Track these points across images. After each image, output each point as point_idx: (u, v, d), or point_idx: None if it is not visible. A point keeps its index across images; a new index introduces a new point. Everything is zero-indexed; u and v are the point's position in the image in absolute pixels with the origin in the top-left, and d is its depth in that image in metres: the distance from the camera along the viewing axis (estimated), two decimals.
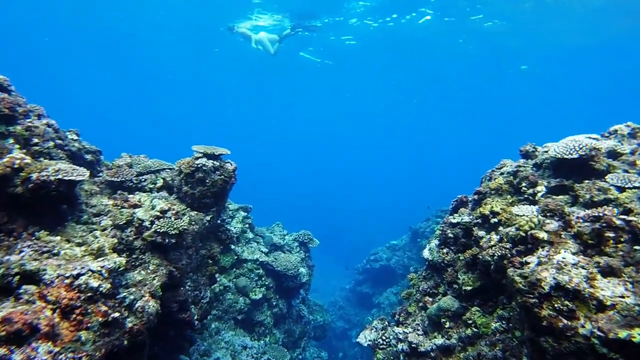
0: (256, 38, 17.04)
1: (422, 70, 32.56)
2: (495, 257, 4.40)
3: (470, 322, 4.79)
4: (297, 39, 28.19)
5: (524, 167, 5.99)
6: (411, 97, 40.16)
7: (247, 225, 10.46)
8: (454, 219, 5.77)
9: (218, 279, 9.16)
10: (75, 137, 6.54)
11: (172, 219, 5.20)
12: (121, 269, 4.37)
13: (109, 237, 4.81)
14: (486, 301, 4.85)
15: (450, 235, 5.68)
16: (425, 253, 6.18)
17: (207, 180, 5.85)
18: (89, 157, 6.46)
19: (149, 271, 4.95)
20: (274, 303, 10.03)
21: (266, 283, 9.90)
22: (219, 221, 8.78)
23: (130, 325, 4.05)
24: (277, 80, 37.29)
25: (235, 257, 9.65)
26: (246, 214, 10.69)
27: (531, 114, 46.99)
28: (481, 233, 5.09)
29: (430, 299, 5.72)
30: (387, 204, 44.21)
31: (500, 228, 4.91)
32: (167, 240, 5.07)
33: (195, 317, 5.79)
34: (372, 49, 29.62)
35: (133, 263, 4.96)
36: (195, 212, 5.84)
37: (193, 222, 5.72)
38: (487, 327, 4.57)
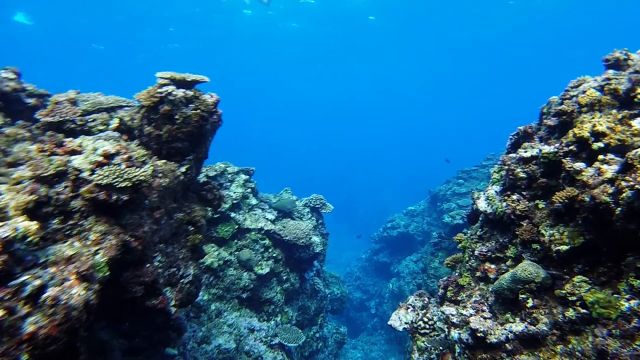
0: None
1: (437, 37, 30.20)
2: (626, 195, 2.60)
3: (572, 298, 3.03)
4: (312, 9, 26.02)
5: (617, 79, 4.11)
6: (427, 66, 37.72)
7: (249, 190, 8.72)
8: (526, 152, 3.92)
9: (217, 253, 7.51)
10: (12, 76, 4.80)
11: (123, 166, 3.46)
12: (30, 239, 2.66)
13: (20, 194, 3.10)
14: (595, 266, 3.07)
15: (522, 175, 3.85)
16: (481, 204, 4.35)
17: (177, 116, 4.07)
18: (31, 101, 4.71)
19: (87, 242, 3.24)
20: (284, 277, 8.36)
21: (274, 255, 8.21)
22: (202, 177, 7.01)
23: (31, 328, 2.36)
24: (295, 53, 35.19)
25: (236, 227, 7.94)
26: (248, 177, 8.93)
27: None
28: (579, 165, 3.27)
29: (493, 267, 3.95)
30: (402, 172, 42.27)
31: (611, 155, 3.10)
32: (115, 197, 3.34)
33: (172, 302, 4.13)
34: (389, 20, 27.45)
35: (66, 231, 3.26)
36: (164, 161, 4.09)
37: (160, 174, 3.98)
38: (607, 306, 2.80)
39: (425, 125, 76.14)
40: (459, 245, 4.80)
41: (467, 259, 4.39)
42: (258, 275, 7.77)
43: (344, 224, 33.43)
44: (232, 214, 8.00)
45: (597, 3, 25.37)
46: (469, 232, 4.79)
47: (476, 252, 4.19)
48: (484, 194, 4.40)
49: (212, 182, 5.10)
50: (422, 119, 73.27)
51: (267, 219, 8.44)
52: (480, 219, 4.51)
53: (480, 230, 4.35)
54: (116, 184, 3.33)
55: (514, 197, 3.85)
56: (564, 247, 3.16)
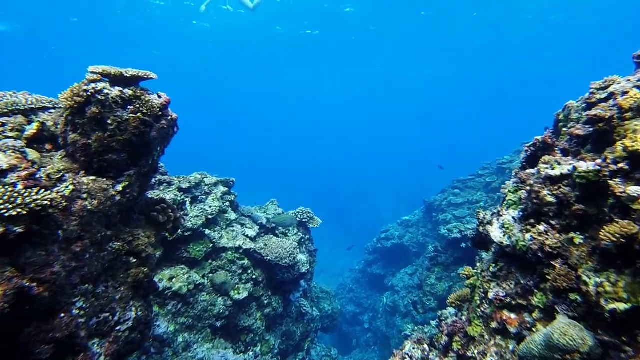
0: None
1: (433, 39, 29.39)
2: None
3: None
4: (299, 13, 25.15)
5: None
6: (422, 68, 36.81)
7: (227, 204, 7.73)
8: (553, 168, 3.00)
9: (187, 276, 6.51)
10: None
11: (19, 186, 2.50)
12: None
13: None
14: None
15: (550, 199, 2.92)
16: (494, 233, 3.38)
17: (110, 121, 3.12)
18: None
19: None
20: (266, 301, 7.36)
21: (253, 277, 7.22)
22: (173, 189, 6.06)
23: None
24: (282, 55, 34.24)
25: (211, 245, 6.95)
26: (227, 189, 7.96)
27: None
28: (635, 190, 2.35)
29: (514, 317, 3.00)
30: (396, 178, 41.23)
31: None
32: (2, 231, 2.39)
33: (101, 358, 3.16)
34: (379, 24, 26.65)
35: None
36: (92, 178, 3.14)
37: (85, 195, 3.02)
38: None
39: (419, 131, 75.48)
40: (467, 281, 3.86)
41: (477, 301, 3.44)
42: (235, 301, 6.78)
43: (338, 231, 32.43)
44: (207, 231, 7.02)
45: (592, 14, 24.73)
46: (478, 265, 3.83)
47: (490, 295, 3.24)
48: (497, 219, 3.45)
49: (166, 201, 4.13)
50: (415, 125, 72.60)
51: (246, 236, 7.46)
52: (493, 250, 3.56)
53: (493, 265, 3.39)
54: (3, 212, 2.36)
55: (541, 228, 2.91)
56: (622, 306, 2.22)
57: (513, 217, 3.21)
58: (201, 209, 7.12)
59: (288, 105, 59.75)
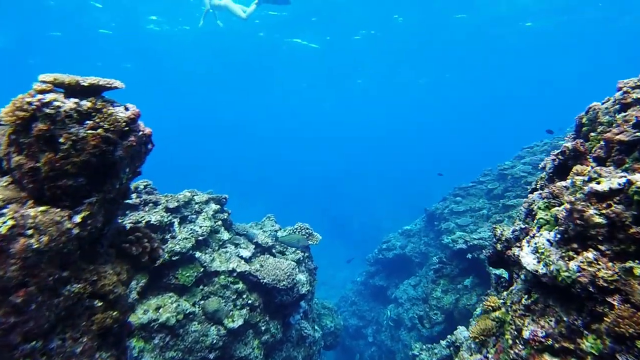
0: (220, 3, 13.31)
1: (430, 49, 29.11)
2: None
3: None
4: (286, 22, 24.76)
5: None
6: (418, 76, 36.52)
7: (219, 222, 7.14)
8: (600, 183, 2.43)
9: (176, 305, 5.89)
10: None
11: None
12: None
13: None
14: None
15: (599, 219, 2.37)
16: (526, 259, 2.77)
17: (62, 140, 2.56)
18: None
19: None
20: (263, 328, 6.74)
21: (249, 301, 6.60)
22: (160, 209, 5.53)
23: None
24: (275, 66, 33.83)
25: (202, 270, 6.35)
26: (219, 206, 7.37)
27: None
28: None
29: None
30: (395, 186, 40.59)
31: None
32: None
33: None
34: (381, 31, 26.32)
35: None
36: (42, 209, 2.57)
37: (31, 230, 2.45)
38: None
39: (417, 140, 75.15)
40: (493, 313, 3.28)
41: (509, 340, 2.84)
42: (229, 329, 6.15)
43: (338, 241, 31.76)
44: (197, 254, 6.41)
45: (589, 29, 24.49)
46: (505, 295, 3.24)
47: (525, 334, 2.65)
48: (528, 242, 2.87)
49: (141, 229, 3.55)
50: (413, 133, 72.30)
51: (240, 257, 6.85)
52: (524, 277, 2.98)
53: (526, 297, 2.81)
54: None
55: (589, 255, 2.34)
56: None
57: (549, 240, 2.63)
58: (191, 229, 6.53)
59: (283, 116, 59.44)
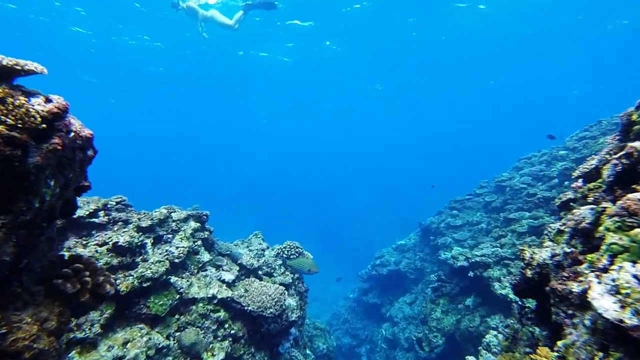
0: (206, 15, 12.74)
1: (417, 61, 28.71)
2: None
3: None
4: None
5: None
6: (408, 89, 35.98)
7: (199, 242, 6.28)
8: None
9: (146, 338, 4.98)
10: None
11: None
12: None
13: None
14: None
15: None
16: (603, 303, 1.94)
17: None
18: None
19: None
20: None
21: (232, 331, 5.71)
22: (131, 230, 4.71)
23: None
24: (256, 78, 33.20)
25: (177, 297, 5.45)
26: (199, 224, 6.52)
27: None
28: None
29: None
30: (387, 201, 39.81)
31: None
32: None
33: None
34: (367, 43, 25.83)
35: None
36: None
37: None
38: None
39: (408, 152, 74.66)
40: None
41: None
42: None
43: (329, 254, 30.82)
44: (172, 279, 5.53)
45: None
46: (561, 347, 2.43)
47: None
48: (597, 277, 2.08)
49: (83, 259, 2.71)
50: (404, 145, 71.71)
51: (222, 281, 5.97)
52: (590, 323, 2.18)
53: (600, 355, 2.01)
54: None
55: None
56: None
57: (636, 277, 1.85)
58: (166, 251, 5.65)
59: (271, 131, 58.55)
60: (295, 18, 22.26)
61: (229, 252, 6.91)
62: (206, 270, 6.02)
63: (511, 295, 8.52)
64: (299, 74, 31.08)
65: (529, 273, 3.42)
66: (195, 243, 6.13)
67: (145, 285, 5.18)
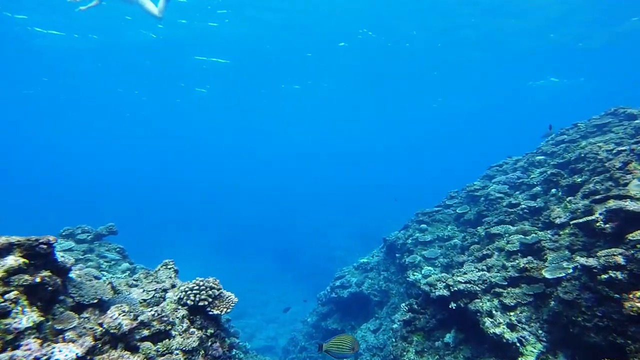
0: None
1: (375, 68, 26.77)
2: None
3: None
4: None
5: None
6: (366, 95, 33.75)
7: (12, 294, 3.37)
8: None
9: None
10: None
11: None
12: None
13: None
14: None
15: None
16: None
17: None
18: None
19: None
20: None
21: None
22: None
23: None
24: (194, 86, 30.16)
25: None
26: (24, 260, 3.61)
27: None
28: None
29: None
30: (347, 214, 37.13)
31: None
32: None
33: None
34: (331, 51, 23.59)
35: None
36: None
37: None
38: None
39: (367, 164, 72.85)
40: None
41: None
42: None
43: (288, 273, 27.83)
44: None
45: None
46: None
47: None
48: None
49: None
50: (364, 157, 69.72)
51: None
52: None
53: None
54: None
55: None
56: None
57: None
58: None
59: (213, 145, 54.65)
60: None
61: (96, 300, 4.03)
62: (19, 345, 3.12)
63: (508, 336, 6.11)
64: (239, 80, 28.42)
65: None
66: (7, 295, 3.23)
67: None
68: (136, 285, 5.79)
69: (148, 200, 58.26)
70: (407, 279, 10.45)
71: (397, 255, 12.01)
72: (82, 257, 8.83)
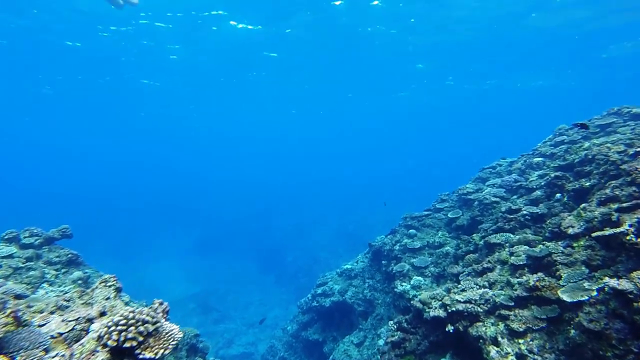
0: None
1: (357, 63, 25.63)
2: None
3: None
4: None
5: None
6: (346, 91, 32.38)
7: None
8: None
9: None
10: None
11: None
12: None
13: None
14: None
15: None
16: None
17: None
18: None
19: None
20: None
21: None
22: None
23: None
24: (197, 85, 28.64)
25: None
26: None
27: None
28: None
29: None
30: (332, 216, 35.68)
31: None
32: None
33: None
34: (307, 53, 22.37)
35: None
36: None
37: None
38: None
39: (354, 164, 71.51)
40: None
41: None
42: None
43: (270, 275, 26.51)
44: None
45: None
46: None
47: None
48: None
49: None
50: (349, 157, 68.34)
51: None
52: None
53: None
54: None
55: None
56: None
57: None
58: None
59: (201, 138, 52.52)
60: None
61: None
62: None
63: None
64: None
65: None
66: None
67: None
68: (65, 308, 4.54)
69: (127, 199, 55.99)
70: (395, 289, 9.35)
71: (383, 262, 10.92)
72: (23, 265, 7.46)
